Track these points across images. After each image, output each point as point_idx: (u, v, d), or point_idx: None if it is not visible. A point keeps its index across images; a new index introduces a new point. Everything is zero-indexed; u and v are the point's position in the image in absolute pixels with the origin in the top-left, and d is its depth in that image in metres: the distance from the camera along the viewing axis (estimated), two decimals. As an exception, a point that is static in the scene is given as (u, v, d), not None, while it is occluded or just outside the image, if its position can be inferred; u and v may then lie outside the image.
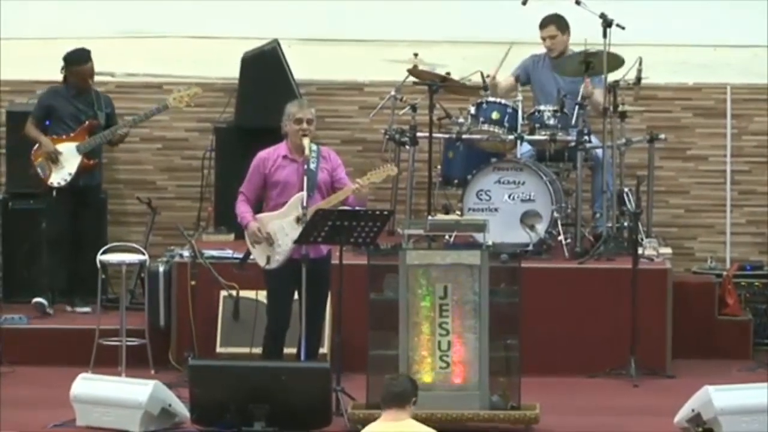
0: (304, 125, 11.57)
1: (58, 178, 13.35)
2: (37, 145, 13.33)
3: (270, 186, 11.73)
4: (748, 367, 12.61)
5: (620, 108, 13.28)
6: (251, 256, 11.87)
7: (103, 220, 13.96)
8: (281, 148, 11.72)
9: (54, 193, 13.40)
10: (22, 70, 13.93)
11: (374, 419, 10.44)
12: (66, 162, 13.32)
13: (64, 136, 13.39)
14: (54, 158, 13.31)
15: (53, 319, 13.31)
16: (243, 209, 11.68)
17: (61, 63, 13.47)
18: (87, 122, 13.42)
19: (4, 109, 14.12)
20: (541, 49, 13.56)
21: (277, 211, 11.63)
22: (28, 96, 13.86)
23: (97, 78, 13.72)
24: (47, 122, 13.43)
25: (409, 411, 9.19)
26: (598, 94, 13.21)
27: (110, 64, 13.98)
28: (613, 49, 13.11)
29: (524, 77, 13.52)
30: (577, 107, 13.14)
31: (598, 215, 13.42)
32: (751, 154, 14.39)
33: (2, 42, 14.24)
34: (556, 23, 13.30)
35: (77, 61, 13.46)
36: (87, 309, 12.99)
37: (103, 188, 13.99)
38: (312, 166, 11.60)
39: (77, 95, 13.55)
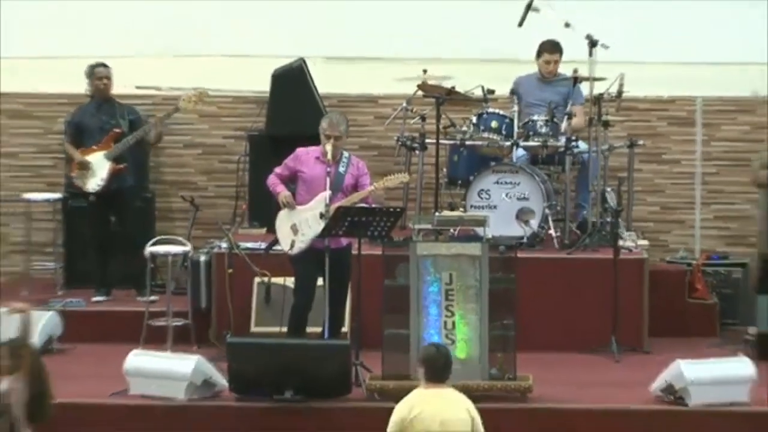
0: (334, 139, 11.67)
1: (93, 184, 13.41)
2: (71, 160, 13.46)
3: (299, 179, 11.85)
4: (715, 344, 12.67)
5: (604, 118, 13.26)
6: (277, 245, 11.98)
7: (148, 216, 14.06)
8: (316, 150, 11.83)
9: (91, 197, 13.49)
10: (79, 84, 13.86)
11: (389, 389, 10.73)
12: (97, 170, 13.38)
13: (93, 147, 13.42)
14: (85, 168, 13.39)
15: (108, 302, 13.41)
16: (274, 181, 11.82)
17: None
18: (111, 132, 13.44)
19: (63, 119, 14.17)
20: (527, 71, 13.62)
21: (304, 205, 11.75)
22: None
23: (144, 91, 13.89)
24: (76, 135, 13.52)
25: (448, 382, 9.29)
26: (577, 122, 13.35)
27: (157, 80, 14.06)
28: (597, 66, 13.08)
29: (518, 94, 13.51)
30: (565, 117, 13.22)
31: (583, 206, 13.48)
32: (719, 159, 14.50)
33: (63, 60, 14.30)
34: (560, 51, 13.37)
35: (90, 73, 13.54)
36: (154, 298, 12.95)
37: (150, 188, 14.18)
38: (341, 170, 11.77)
39: (100, 108, 13.58)
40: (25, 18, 14.55)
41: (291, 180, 11.88)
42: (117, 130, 13.43)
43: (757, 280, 13.23)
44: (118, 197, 13.54)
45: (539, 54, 13.51)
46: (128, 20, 14.44)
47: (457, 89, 13.20)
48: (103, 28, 14.49)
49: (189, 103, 13.58)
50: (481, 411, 9.59)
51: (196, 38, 14.50)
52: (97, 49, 14.00)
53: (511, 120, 13.22)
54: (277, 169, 11.92)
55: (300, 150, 11.95)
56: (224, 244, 12.83)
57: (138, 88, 13.82)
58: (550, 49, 13.46)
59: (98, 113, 13.54)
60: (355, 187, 11.80)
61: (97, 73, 13.53)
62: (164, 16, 14.46)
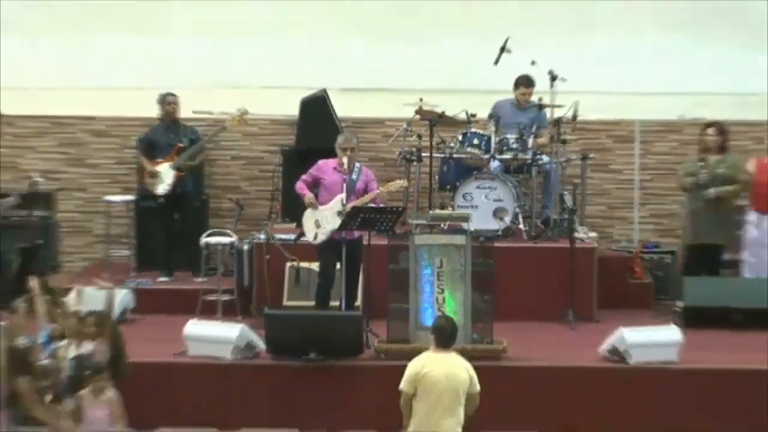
0: (348, 152, 11.71)
1: (161, 189, 13.38)
2: (143, 168, 13.45)
3: (320, 185, 11.81)
4: (650, 315, 12.67)
5: (562, 137, 13.27)
6: (303, 237, 11.94)
7: (204, 214, 14.00)
8: (334, 162, 11.83)
9: (160, 199, 13.44)
10: (145, 110, 13.90)
11: (393, 351, 10.75)
12: (165, 177, 13.35)
13: (161, 159, 13.38)
14: (155, 176, 13.37)
15: (170, 282, 13.41)
16: (300, 186, 11.80)
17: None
18: (176, 147, 13.40)
19: (135, 137, 14.11)
20: (503, 97, 13.55)
21: (325, 205, 11.72)
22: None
23: (198, 114, 13.81)
24: (148, 149, 13.49)
25: (452, 347, 9.30)
26: (542, 140, 13.27)
27: (209, 105, 14.01)
28: (557, 95, 13.10)
29: (495, 117, 13.41)
30: (532, 136, 13.18)
31: (547, 206, 13.41)
32: (653, 168, 14.49)
33: (134, 90, 14.27)
34: (533, 85, 13.30)
35: (162, 100, 13.53)
36: (204, 279, 12.94)
37: (205, 192, 14.11)
38: (354, 177, 11.76)
39: (168, 128, 13.54)
40: (104, 55, 14.55)
41: (314, 185, 11.85)
42: (180, 146, 13.40)
43: (682, 265, 13.21)
44: (180, 199, 13.50)
45: (517, 86, 13.45)
46: (187, 59, 14.42)
47: (447, 114, 13.13)
48: (166, 64, 14.43)
49: (233, 122, 13.56)
50: (466, 368, 9.67)
51: (240, 73, 14.47)
52: (162, 82, 13.92)
53: (489, 138, 13.15)
54: (303, 177, 11.90)
55: (321, 161, 11.95)
56: (262, 236, 12.77)
57: (194, 112, 13.76)
58: (526, 83, 13.40)
59: (167, 132, 13.52)
60: (365, 190, 11.78)
61: (167, 100, 13.54)
62: (215, 57, 14.46)
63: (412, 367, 9.15)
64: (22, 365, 9.59)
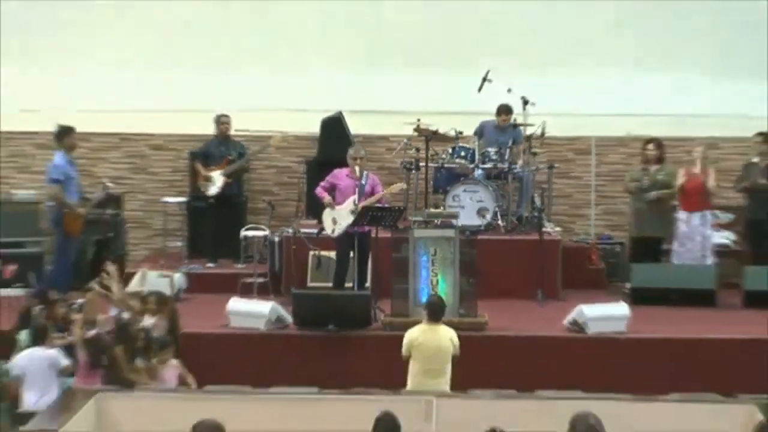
0: (357, 161, 11.68)
1: (212, 191, 13.26)
2: (199, 175, 13.34)
3: (336, 189, 11.77)
4: (604, 294, 12.44)
5: (533, 150, 13.25)
6: (323, 231, 11.94)
7: (243, 212, 13.84)
8: (346, 170, 11.80)
9: (210, 200, 13.32)
10: (197, 128, 13.89)
11: (396, 323, 10.65)
12: (216, 182, 13.22)
13: (214, 167, 13.28)
14: (209, 180, 13.26)
15: (216, 267, 13.28)
16: (320, 190, 11.79)
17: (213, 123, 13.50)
18: (226, 158, 13.32)
19: (188, 150, 14.18)
20: (487, 119, 13.45)
21: (340, 205, 11.68)
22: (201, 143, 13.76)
23: (239, 131, 13.69)
24: (205, 159, 13.41)
25: (441, 320, 9.37)
26: (516, 153, 13.18)
27: (248, 124, 13.86)
28: (528, 117, 13.04)
29: (480, 134, 13.38)
30: (508, 150, 13.11)
31: (520, 207, 13.30)
32: (606, 175, 14.37)
33: (186, 112, 14.19)
34: (512, 112, 13.20)
35: (217, 119, 13.44)
36: (243, 265, 12.84)
37: (244, 194, 13.94)
38: (363, 182, 11.71)
39: (221, 143, 13.43)
40: (162, 82, 14.42)
41: (330, 189, 11.79)
42: (230, 157, 13.31)
43: (629, 253, 13.18)
44: (226, 200, 13.37)
45: (498, 113, 13.33)
46: (232, 86, 14.26)
47: (439, 131, 13.07)
48: (214, 91, 14.26)
49: (277, 142, 13.60)
50: (453, 338, 9.65)
51: (273, 98, 14.29)
52: (211, 105, 13.83)
53: (474, 151, 13.11)
54: (321, 183, 11.88)
55: (336, 170, 11.91)
56: (290, 230, 12.76)
57: (236, 130, 13.66)
58: (506, 111, 13.28)
59: (219, 146, 13.42)
60: (372, 192, 11.71)
61: (221, 120, 13.45)
62: (254, 85, 14.29)
63: (408, 336, 9.29)
64: (122, 334, 9.56)
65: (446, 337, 9.27)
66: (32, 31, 14.36)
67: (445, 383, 9.16)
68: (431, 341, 9.23)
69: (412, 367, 9.23)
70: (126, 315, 9.91)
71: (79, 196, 12.42)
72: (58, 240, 12.39)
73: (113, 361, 9.48)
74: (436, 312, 9.39)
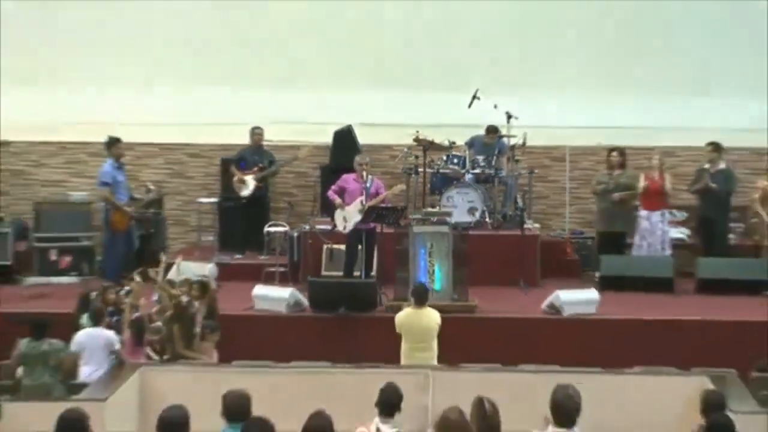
0: (363, 167, 11.71)
1: (245, 193, 13.19)
2: (234, 178, 13.26)
3: (345, 191, 11.77)
4: (577, 282, 12.41)
5: (516, 157, 13.24)
6: (335, 228, 11.92)
7: (267, 211, 13.75)
8: (354, 175, 11.84)
9: (243, 200, 13.25)
10: (232, 137, 13.91)
11: (399, 308, 10.52)
12: (249, 185, 13.16)
13: (248, 172, 13.23)
14: (242, 183, 13.19)
15: (243, 258, 13.20)
16: (331, 193, 11.83)
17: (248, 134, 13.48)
18: (258, 165, 13.28)
19: (220, 158, 14.11)
20: (477, 133, 13.40)
21: (349, 205, 11.69)
22: (233, 151, 13.74)
23: (268, 142, 13.66)
24: (241, 165, 13.32)
25: (426, 304, 9.38)
26: (503, 161, 13.14)
27: (273, 136, 13.82)
28: (512, 129, 13.00)
29: (470, 145, 13.34)
30: (494, 158, 13.08)
31: (505, 206, 13.25)
32: (578, 179, 14.26)
33: (223, 125, 14.18)
34: (498, 132, 13.15)
35: (252, 131, 13.39)
36: (266, 256, 12.83)
37: (269, 196, 13.86)
38: (368, 185, 11.72)
39: (255, 151, 13.39)
40: (198, 99, 14.41)
41: (340, 192, 11.81)
42: (262, 164, 13.26)
43: (597, 247, 13.11)
44: (256, 201, 13.31)
45: (487, 132, 13.26)
46: (259, 103, 14.21)
47: (435, 141, 13.05)
48: (245, 107, 14.22)
49: (304, 153, 13.62)
50: (447, 319, 9.68)
51: (294, 114, 14.29)
52: (243, 119, 13.82)
53: (465, 159, 13.08)
54: (333, 187, 11.91)
55: (345, 175, 11.94)
56: (307, 226, 12.72)
57: (264, 141, 13.62)
58: (493, 131, 13.18)
59: (253, 154, 13.35)
60: (377, 194, 11.70)
61: (255, 132, 13.40)
62: (278, 102, 14.23)
63: (398, 318, 9.41)
64: (180, 316, 9.59)
65: (431, 317, 9.30)
66: (89, 53, 14.41)
67: (431, 357, 9.19)
68: (418, 322, 9.29)
69: (404, 344, 9.30)
70: (166, 301, 9.97)
71: (128, 197, 12.47)
72: (107, 235, 12.47)
73: (170, 338, 9.55)
74: (420, 297, 9.40)
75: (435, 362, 9.12)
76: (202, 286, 10.33)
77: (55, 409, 6.10)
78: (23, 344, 8.83)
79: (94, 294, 10.10)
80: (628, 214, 12.85)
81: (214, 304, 10.31)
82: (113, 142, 12.44)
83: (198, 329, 9.80)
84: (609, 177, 12.93)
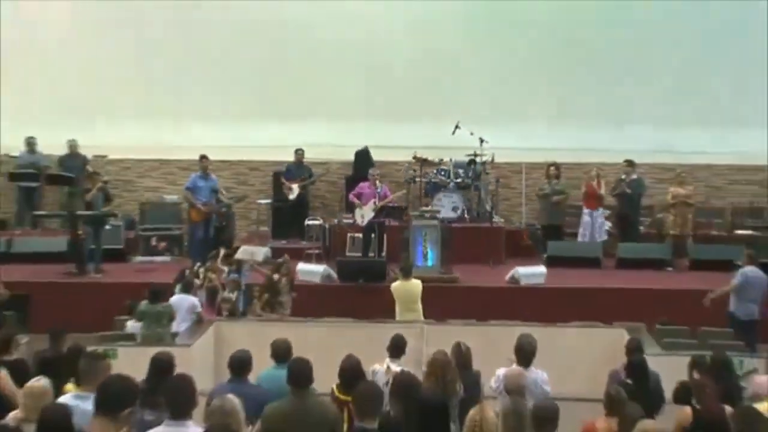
0: (375, 177, 11.64)
1: (291, 196, 13.01)
2: (283, 185, 13.11)
3: (362, 196, 11.66)
4: (531, 260, 12.14)
5: (486, 171, 13.11)
6: (356, 221, 11.82)
7: (307, 209, 13.49)
8: (368, 183, 11.74)
9: (290, 202, 13.03)
10: (280, 156, 13.70)
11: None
12: (294, 191, 12.99)
13: (293, 181, 13.06)
14: (289, 189, 13.03)
15: (288, 243, 12.87)
16: (352, 197, 11.73)
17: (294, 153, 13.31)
18: (300, 177, 13.12)
19: (273, 171, 13.87)
20: (460, 158, 13.14)
21: (365, 205, 11.59)
22: (281, 166, 13.52)
23: (307, 160, 13.39)
24: (288, 176, 13.17)
25: (411, 277, 9.23)
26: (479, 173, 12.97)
27: (311, 154, 13.60)
28: (484, 149, 12.83)
29: (454, 164, 13.13)
30: (471, 171, 12.95)
31: (479, 206, 13.05)
32: (532, 186, 13.92)
33: (274, 147, 14.00)
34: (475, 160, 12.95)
35: (295, 151, 13.18)
36: (306, 242, 12.65)
37: (308, 199, 13.56)
38: (379, 190, 11.64)
39: (297, 167, 13.22)
40: (255, 129, 14.25)
41: (358, 196, 11.69)
42: (304, 176, 13.10)
43: (543, 235, 12.90)
44: (299, 202, 13.10)
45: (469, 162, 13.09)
46: (299, 132, 14.00)
47: (428, 159, 12.97)
48: (290, 133, 13.98)
49: (327, 169, 13.52)
50: (436, 288, 9.66)
51: (327, 138, 14.17)
52: (287, 142, 13.63)
53: (450, 171, 12.94)
54: (352, 192, 11.82)
55: (361, 183, 11.87)
56: (335, 221, 12.66)
57: (304, 159, 13.36)
58: (472, 162, 12.96)
59: (296, 169, 13.17)
60: (385, 197, 11.61)
61: (297, 152, 13.19)
62: (314, 132, 14.06)
63: (392, 287, 9.31)
64: (270, 286, 9.54)
65: (416, 286, 9.23)
66: (178, 92, 14.36)
67: (418, 315, 9.14)
68: (405, 290, 9.21)
69: (397, 306, 9.26)
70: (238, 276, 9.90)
71: (208, 199, 12.34)
72: (189, 227, 12.42)
73: (257, 302, 9.58)
74: (406, 271, 9.32)
75: (421, 318, 9.07)
76: (281, 264, 10.22)
77: (152, 353, 6.04)
78: (143, 305, 8.78)
79: (186, 270, 10.05)
80: (562, 212, 12.90)
81: (292, 276, 10.21)
82: (201, 159, 12.47)
83: (282, 297, 9.67)
84: (548, 185, 12.90)
